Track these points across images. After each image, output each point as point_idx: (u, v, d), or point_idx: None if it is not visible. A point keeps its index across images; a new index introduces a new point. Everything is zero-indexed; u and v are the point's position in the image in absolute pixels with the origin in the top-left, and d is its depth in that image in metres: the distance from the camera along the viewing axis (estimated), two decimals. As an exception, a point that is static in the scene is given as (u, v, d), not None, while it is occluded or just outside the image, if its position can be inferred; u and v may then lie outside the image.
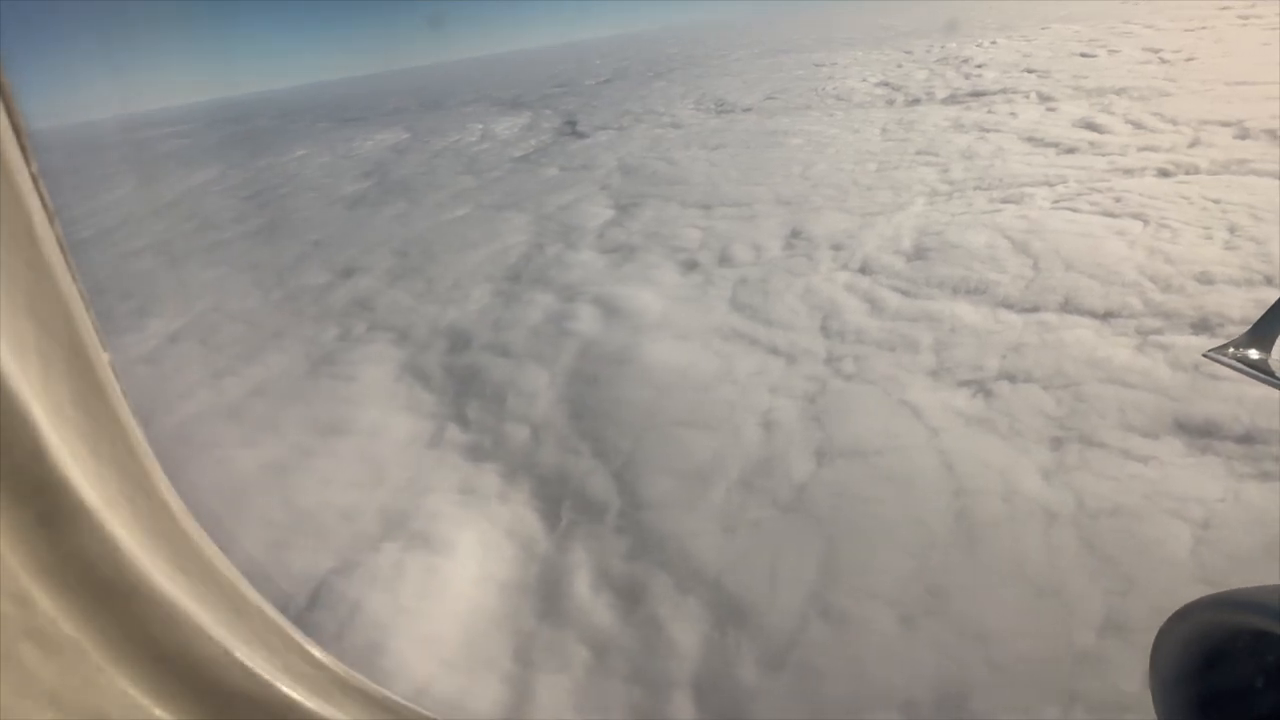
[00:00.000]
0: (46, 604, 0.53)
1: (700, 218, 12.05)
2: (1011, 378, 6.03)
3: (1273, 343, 1.33)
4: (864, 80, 25.35)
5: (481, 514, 5.32)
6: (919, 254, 9.02)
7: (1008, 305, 7.28)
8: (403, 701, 0.80)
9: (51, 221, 0.57)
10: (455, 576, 4.64)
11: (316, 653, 0.74)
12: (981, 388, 5.96)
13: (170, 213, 21.38)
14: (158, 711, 0.58)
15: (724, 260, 9.90)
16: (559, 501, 5.35)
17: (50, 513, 0.53)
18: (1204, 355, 1.41)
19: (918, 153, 14.16)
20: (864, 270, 8.85)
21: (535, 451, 6.05)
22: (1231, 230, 8.24)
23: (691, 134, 20.51)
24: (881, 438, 5.47)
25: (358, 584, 4.63)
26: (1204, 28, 26.86)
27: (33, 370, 0.53)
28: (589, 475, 5.56)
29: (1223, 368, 1.33)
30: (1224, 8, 32.92)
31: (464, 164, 21.53)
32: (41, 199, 0.56)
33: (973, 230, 9.49)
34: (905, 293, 7.91)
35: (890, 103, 20.86)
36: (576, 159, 19.23)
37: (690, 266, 9.87)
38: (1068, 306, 7.05)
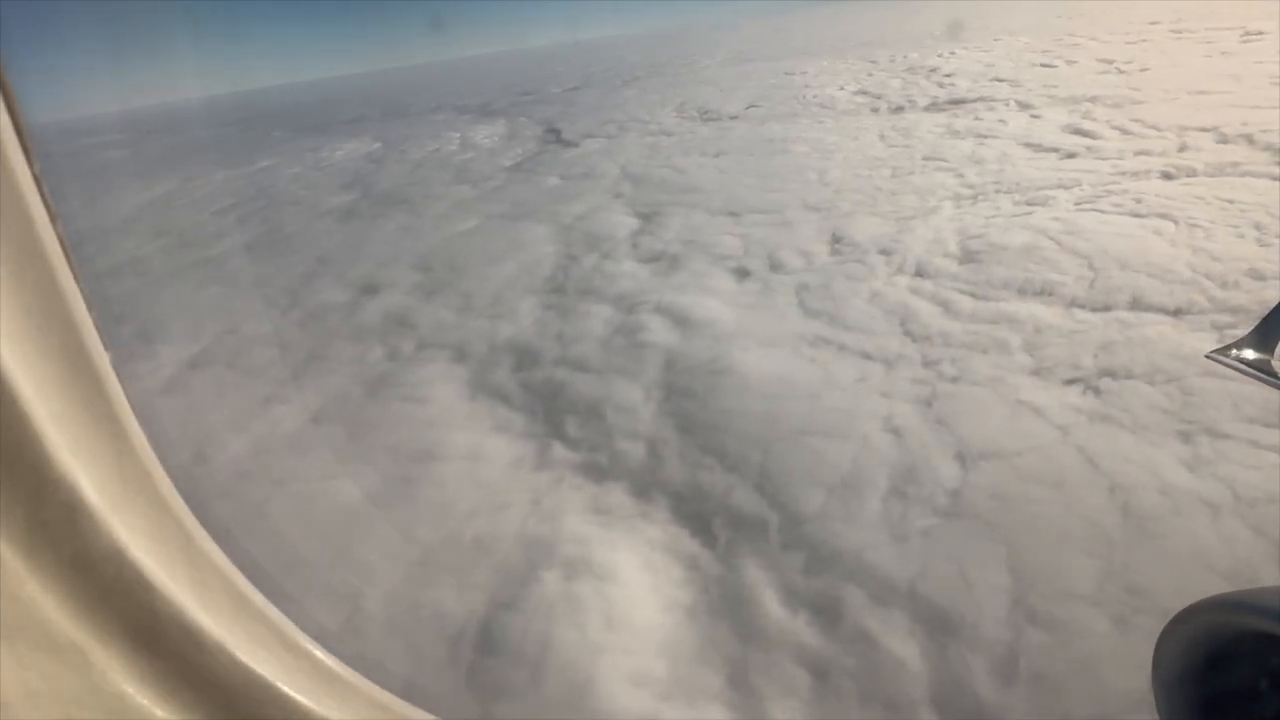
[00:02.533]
0: (47, 604, 0.53)
1: (732, 225, 12.09)
2: (1113, 374, 6.25)
3: (1275, 344, 1.33)
4: (842, 89, 26.07)
5: (629, 535, 5.13)
6: (969, 257, 9.29)
7: (1079, 305, 7.56)
8: (402, 702, 0.82)
9: (53, 222, 0.57)
10: (635, 603, 4.46)
11: (317, 653, 0.75)
12: (1088, 385, 6.15)
13: (134, 229, 20.00)
14: (158, 712, 0.58)
15: (775, 267, 9.95)
16: (707, 518, 5.22)
17: (50, 513, 0.53)
18: (1206, 356, 1.44)
19: (925, 158, 14.63)
20: (921, 274, 9.05)
21: (659, 467, 5.89)
22: (1258, 228, 8.81)
23: (686, 142, 20.61)
24: (1014, 439, 5.57)
25: (533, 620, 4.38)
26: (1143, 40, 28.85)
27: (33, 370, 0.53)
28: (730, 490, 5.45)
29: None
30: (1153, 23, 35.51)
31: (453, 174, 20.99)
32: (43, 200, 0.56)
33: (1012, 232, 9.85)
34: (975, 295, 8.11)
35: (875, 110, 21.51)
36: (575, 168, 19.02)
37: (743, 274, 9.87)
38: (1137, 305, 7.37)
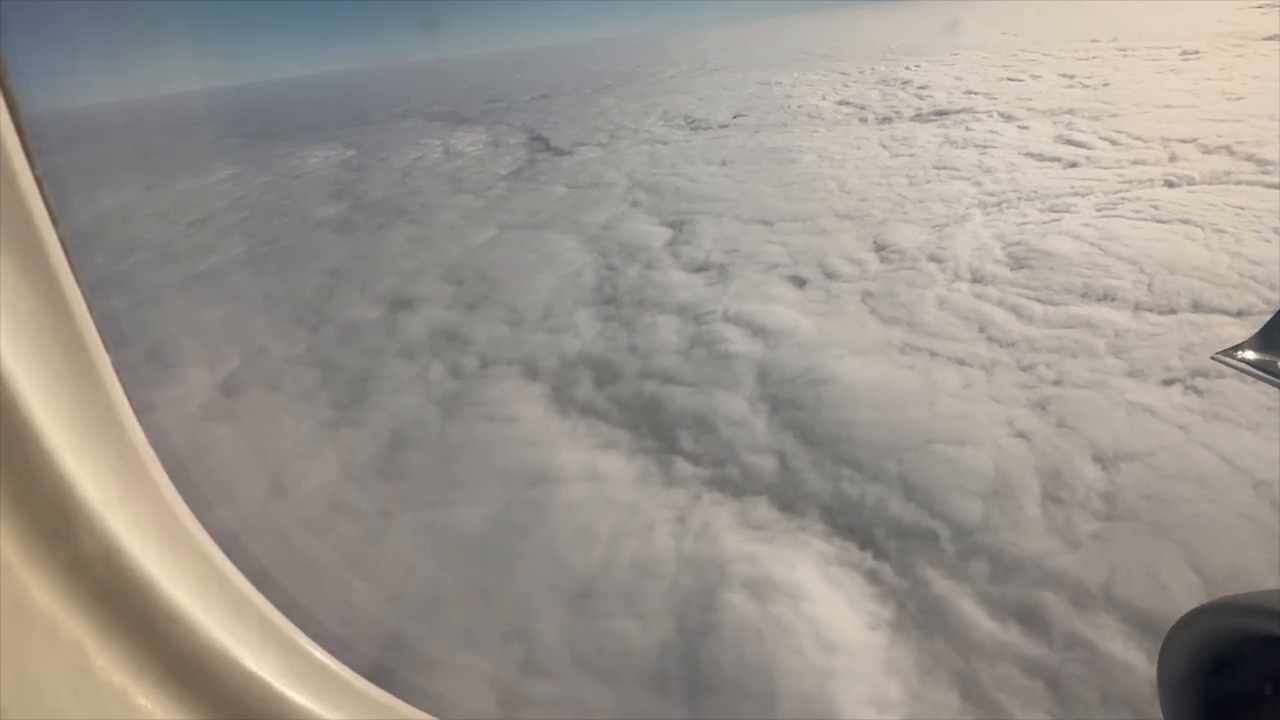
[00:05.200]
0: (47, 604, 0.53)
1: (768, 233, 12.17)
2: (1205, 374, 6.56)
3: None
4: (823, 99, 26.75)
5: (797, 550, 5.04)
6: (1019, 263, 9.63)
7: (1145, 309, 7.92)
8: (402, 703, 0.82)
9: (55, 223, 0.58)
10: (838, 622, 4.36)
11: (316, 653, 0.75)
12: (1186, 385, 6.44)
13: (100, 244, 18.59)
14: (158, 713, 0.59)
15: (830, 275, 10.06)
16: (868, 530, 5.18)
17: (50, 513, 0.54)
18: (1212, 358, 1.49)
19: (935, 167, 15.13)
20: (978, 280, 9.32)
21: (797, 480, 5.82)
22: (1276, 232, 9.48)
23: (685, 150, 20.69)
24: (1141, 439, 5.76)
25: (741, 647, 4.23)
26: (1094, 57, 30.78)
27: (34, 371, 0.54)
28: (882, 500, 5.43)
29: None
30: (1094, 41, 37.98)
31: (448, 183, 20.43)
32: (45, 200, 0.57)
33: (1051, 239, 10.27)
34: (1042, 300, 8.40)
35: (864, 120, 22.15)
36: (579, 176, 18.81)
37: (800, 282, 9.93)
38: (1200, 307, 7.78)
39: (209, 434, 7.73)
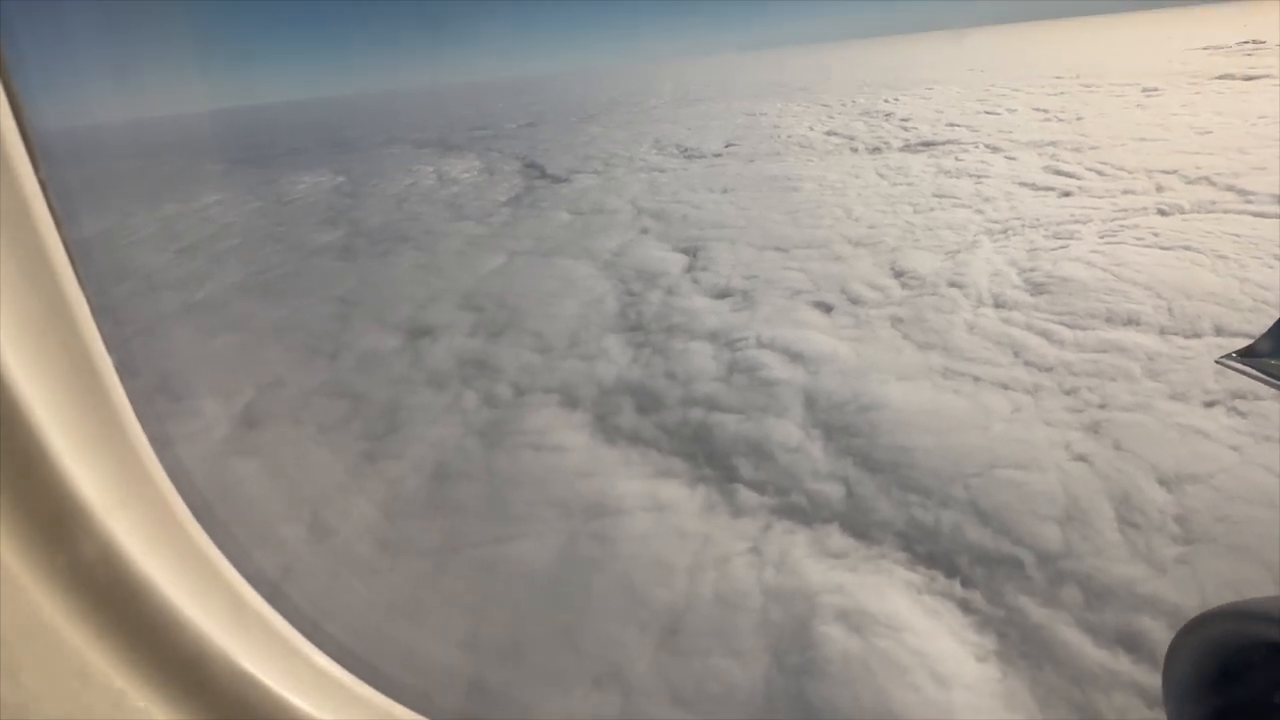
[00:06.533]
0: (47, 607, 0.54)
1: (784, 259, 12.31)
2: (1243, 396, 6.75)
3: None
4: (811, 129, 27.49)
5: (883, 579, 4.96)
6: (1038, 289, 9.88)
7: (1171, 332, 8.17)
8: (401, 707, 0.83)
9: (58, 226, 0.59)
10: (945, 654, 4.28)
11: (317, 657, 0.76)
12: (1228, 407, 6.61)
13: (82, 273, 17.95)
14: (158, 715, 0.59)
15: (855, 301, 10.18)
16: (949, 557, 5.14)
17: (51, 515, 0.54)
18: (1216, 361, 1.52)
19: (935, 196, 15.57)
20: (1001, 305, 9.52)
21: (867, 507, 5.77)
22: (1276, 258, 9.92)
23: (683, 178, 20.97)
24: (1199, 461, 5.87)
25: (854, 686, 4.11)
26: (1062, 93, 32.30)
27: (35, 372, 0.54)
28: (958, 527, 5.40)
29: None
30: (1058, 78, 39.94)
31: (447, 209, 20.32)
32: (48, 203, 0.58)
33: (1064, 265, 10.58)
34: (1069, 325, 8.60)
35: (854, 150, 22.78)
36: (580, 204, 18.89)
37: (825, 308, 10.03)
38: (1223, 331, 8.05)
39: (236, 470, 7.39)
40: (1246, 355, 1.41)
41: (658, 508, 6.06)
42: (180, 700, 0.60)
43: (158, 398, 9.48)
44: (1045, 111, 26.75)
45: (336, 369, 9.95)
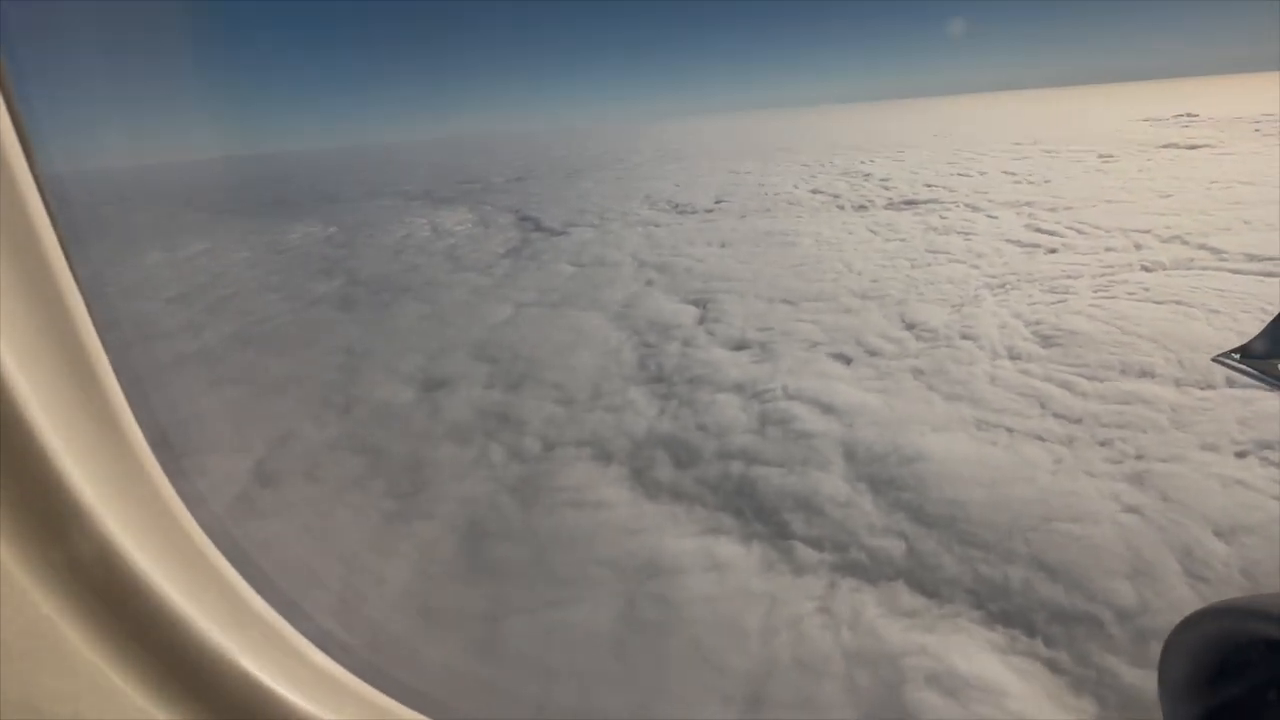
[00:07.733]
0: (46, 606, 0.54)
1: (795, 312, 12.51)
2: (1270, 446, 6.94)
3: None
4: (796, 188, 28.54)
5: (963, 639, 4.83)
6: (1048, 341, 10.17)
7: (1186, 384, 8.43)
8: (400, 705, 0.84)
9: (54, 224, 0.59)
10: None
11: (315, 656, 0.77)
12: (1259, 457, 6.77)
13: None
14: (157, 713, 0.60)
15: (872, 352, 10.33)
16: (1025, 616, 5.04)
17: (50, 514, 0.55)
18: (1213, 360, 1.57)
19: (929, 251, 16.14)
20: (1016, 357, 9.76)
21: (931, 564, 5.67)
22: (1264, 312, 10.43)
23: (679, 233, 21.43)
24: (1248, 512, 5.95)
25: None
26: (1026, 158, 34.30)
27: (33, 371, 0.55)
28: (1029, 584, 5.33)
29: None
30: (1017, 144, 42.51)
31: (445, 260, 20.34)
32: (44, 201, 0.59)
33: (1067, 318, 10.95)
34: (1088, 377, 8.82)
35: (840, 208, 23.65)
36: (581, 256, 19.09)
37: (845, 360, 10.14)
38: (1234, 383, 8.33)
39: (255, 531, 6.99)
40: (1244, 356, 1.44)
41: (715, 566, 5.87)
42: (177, 696, 0.59)
43: (160, 452, 9.02)
44: (1014, 174, 28.27)
45: (350, 423, 9.63)
